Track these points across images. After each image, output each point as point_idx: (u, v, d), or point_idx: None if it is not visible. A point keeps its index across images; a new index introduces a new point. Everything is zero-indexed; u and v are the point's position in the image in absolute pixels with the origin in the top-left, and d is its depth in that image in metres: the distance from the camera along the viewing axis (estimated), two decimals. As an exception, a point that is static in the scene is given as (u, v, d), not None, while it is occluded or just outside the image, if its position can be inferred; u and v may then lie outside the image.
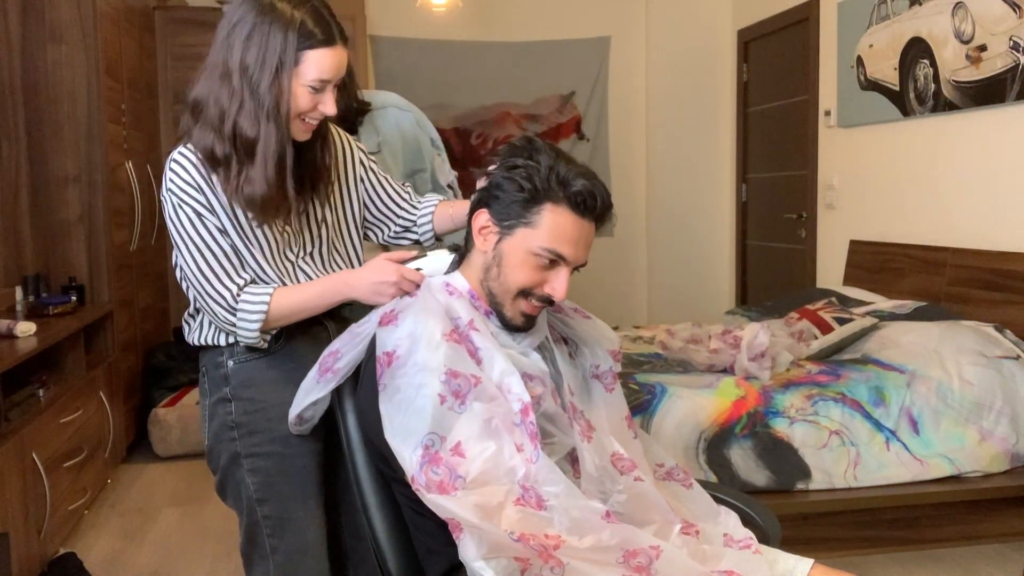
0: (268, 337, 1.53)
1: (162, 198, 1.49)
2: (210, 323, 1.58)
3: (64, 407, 2.87)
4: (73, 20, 3.44)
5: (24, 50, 3.42)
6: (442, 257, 1.46)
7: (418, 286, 1.43)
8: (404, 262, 1.45)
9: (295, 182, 1.49)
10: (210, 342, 1.59)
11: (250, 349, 1.56)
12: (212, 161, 1.45)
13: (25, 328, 2.79)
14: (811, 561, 1.35)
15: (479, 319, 1.36)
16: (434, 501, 1.20)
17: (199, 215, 1.46)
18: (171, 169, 1.47)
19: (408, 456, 1.24)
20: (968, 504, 2.71)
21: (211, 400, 1.60)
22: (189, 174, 1.45)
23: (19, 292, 3.27)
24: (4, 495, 2.31)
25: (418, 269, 1.44)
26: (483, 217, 1.38)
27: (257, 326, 1.48)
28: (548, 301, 1.38)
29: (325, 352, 1.45)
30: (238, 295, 1.47)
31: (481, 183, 1.41)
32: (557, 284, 1.36)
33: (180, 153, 1.47)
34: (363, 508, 1.39)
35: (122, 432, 3.60)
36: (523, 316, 1.38)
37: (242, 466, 1.58)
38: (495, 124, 5.69)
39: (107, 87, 3.56)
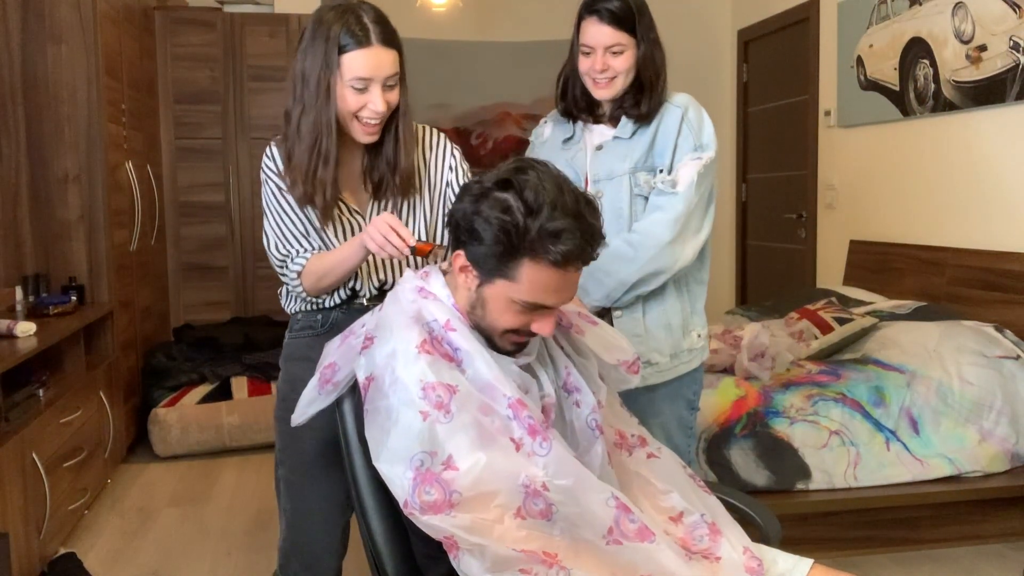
0: (322, 299, 1.72)
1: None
2: (289, 297, 1.79)
3: (64, 407, 2.87)
4: (73, 20, 3.43)
5: (24, 50, 3.41)
6: None
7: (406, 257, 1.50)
8: (429, 252, 1.50)
9: (371, 182, 1.67)
10: (289, 311, 1.82)
11: (303, 327, 1.77)
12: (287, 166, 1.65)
13: (25, 328, 2.79)
14: (811, 561, 1.35)
15: (455, 319, 1.31)
16: (428, 523, 1.17)
17: (280, 189, 1.68)
18: (265, 155, 1.70)
19: (399, 480, 1.20)
20: (968, 504, 2.71)
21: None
22: (275, 161, 1.68)
23: (19, 292, 3.26)
24: (4, 495, 2.31)
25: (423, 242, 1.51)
26: (463, 259, 1.30)
27: (296, 279, 1.68)
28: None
29: (322, 363, 1.43)
30: (291, 258, 1.69)
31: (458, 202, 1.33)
32: (544, 325, 1.30)
33: (274, 142, 1.70)
34: (360, 511, 1.38)
35: (122, 432, 3.60)
36: (513, 344, 1.34)
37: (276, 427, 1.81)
38: (495, 124, 5.68)
39: (107, 87, 3.56)
